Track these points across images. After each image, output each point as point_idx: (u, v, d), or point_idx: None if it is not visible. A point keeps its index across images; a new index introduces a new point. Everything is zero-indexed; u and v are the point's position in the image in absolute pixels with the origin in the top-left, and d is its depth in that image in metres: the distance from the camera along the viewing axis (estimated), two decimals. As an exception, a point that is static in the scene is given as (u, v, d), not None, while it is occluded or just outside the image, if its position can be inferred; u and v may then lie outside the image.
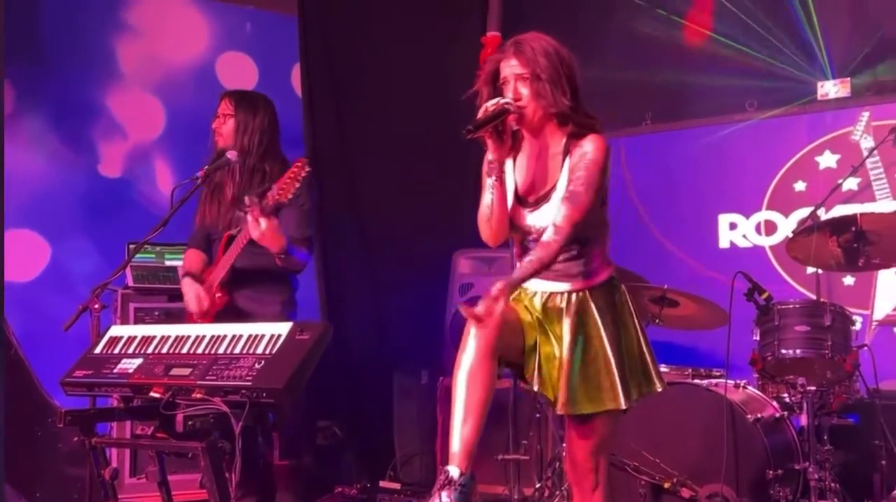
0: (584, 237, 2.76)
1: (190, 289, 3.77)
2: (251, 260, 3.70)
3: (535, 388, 2.76)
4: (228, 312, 3.71)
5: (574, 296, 2.78)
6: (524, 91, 2.71)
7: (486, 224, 2.78)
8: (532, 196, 2.81)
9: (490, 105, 2.69)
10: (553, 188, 2.75)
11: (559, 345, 2.76)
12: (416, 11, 5.82)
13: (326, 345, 3.04)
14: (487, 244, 2.86)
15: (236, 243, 3.69)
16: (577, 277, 2.79)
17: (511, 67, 2.73)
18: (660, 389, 2.84)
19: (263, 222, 3.53)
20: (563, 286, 2.79)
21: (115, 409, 3.33)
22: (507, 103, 2.69)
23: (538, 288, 2.82)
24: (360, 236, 5.89)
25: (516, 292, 2.85)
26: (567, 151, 2.74)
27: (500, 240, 2.82)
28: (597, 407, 2.73)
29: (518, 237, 2.87)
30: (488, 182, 2.75)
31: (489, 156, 2.74)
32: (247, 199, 3.60)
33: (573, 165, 2.71)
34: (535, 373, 2.75)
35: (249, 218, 3.56)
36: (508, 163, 2.85)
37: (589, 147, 2.70)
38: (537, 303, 2.82)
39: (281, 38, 5.86)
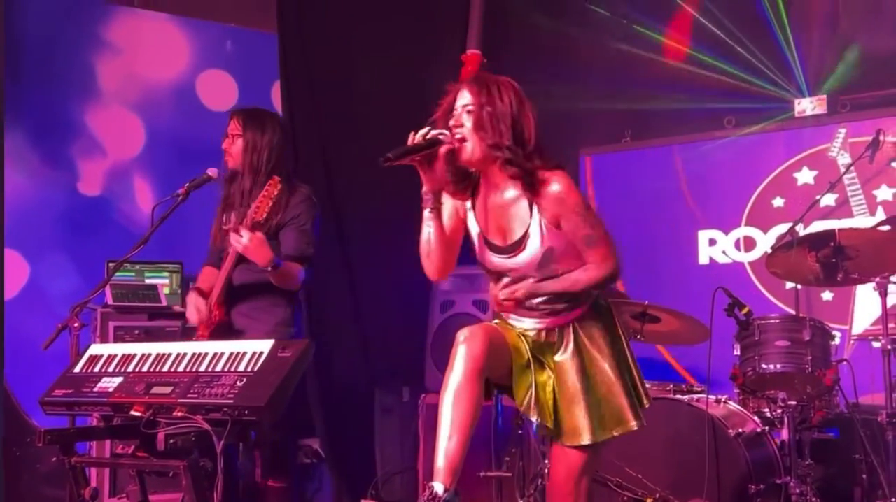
0: (563, 269, 2.75)
1: (190, 300, 3.79)
2: (249, 276, 3.72)
3: (534, 419, 2.76)
4: (223, 329, 3.70)
5: (564, 329, 2.80)
6: (468, 123, 2.66)
7: (427, 259, 2.77)
8: (502, 243, 2.77)
9: (420, 135, 2.66)
10: (526, 235, 2.70)
11: (554, 375, 2.77)
12: (396, 29, 5.84)
13: (308, 362, 3.03)
14: (430, 278, 2.84)
15: (228, 259, 3.70)
16: (564, 312, 2.79)
17: (462, 98, 2.70)
18: (647, 404, 2.86)
19: (246, 235, 3.54)
20: (547, 324, 2.80)
21: (96, 428, 3.31)
22: (440, 134, 2.65)
23: (528, 326, 2.83)
24: (341, 253, 5.88)
25: (505, 324, 2.87)
26: (531, 197, 2.68)
27: (444, 275, 2.81)
28: (606, 434, 2.75)
29: (492, 276, 2.85)
30: (425, 214, 2.72)
31: (424, 187, 2.70)
32: (225, 218, 3.66)
33: (556, 215, 2.66)
34: (532, 402, 2.74)
35: (232, 233, 3.58)
36: (467, 204, 2.83)
37: (557, 188, 2.64)
38: (529, 336, 2.82)
39: (261, 55, 5.86)
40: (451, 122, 2.67)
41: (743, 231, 5.47)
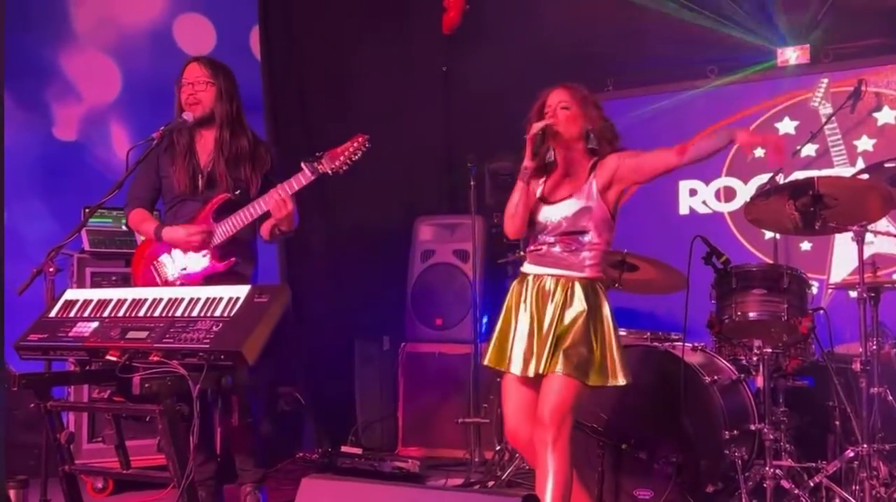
0: (589, 233, 3.16)
1: (177, 232, 3.74)
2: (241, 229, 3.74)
3: (531, 374, 3.13)
4: (222, 279, 3.66)
5: (561, 281, 3.15)
6: (563, 114, 3.21)
7: (511, 220, 3.24)
8: (553, 197, 3.23)
9: (539, 128, 3.15)
10: (577, 189, 3.19)
11: (541, 320, 3.13)
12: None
13: (287, 307, 3.01)
14: (508, 236, 3.31)
15: (246, 212, 3.68)
16: (570, 268, 3.17)
17: (557, 94, 3.26)
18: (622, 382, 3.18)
19: (290, 204, 3.62)
20: (555, 271, 3.19)
21: (71, 373, 3.29)
22: (546, 125, 3.17)
23: (533, 271, 3.24)
24: (320, 202, 5.85)
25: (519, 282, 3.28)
26: (594, 167, 3.21)
27: (520, 235, 3.30)
28: (590, 379, 3.12)
29: (532, 232, 3.28)
30: (519, 184, 3.20)
31: (525, 162, 3.16)
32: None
33: (609, 178, 3.19)
34: (525, 367, 3.14)
35: (276, 195, 3.61)
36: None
37: (613, 157, 3.22)
38: (530, 284, 3.21)
39: (239, -1, 5.77)
40: (549, 114, 3.23)
41: (723, 181, 5.47)
